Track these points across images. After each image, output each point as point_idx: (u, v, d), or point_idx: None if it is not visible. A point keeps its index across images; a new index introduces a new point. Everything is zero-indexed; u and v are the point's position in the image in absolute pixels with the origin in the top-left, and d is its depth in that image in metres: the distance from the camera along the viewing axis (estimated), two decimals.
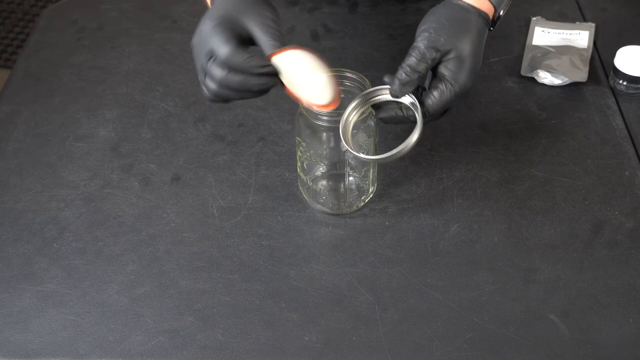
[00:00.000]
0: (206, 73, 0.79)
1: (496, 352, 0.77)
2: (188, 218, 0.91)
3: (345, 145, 0.81)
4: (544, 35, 1.12)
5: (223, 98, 0.80)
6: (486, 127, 1.00)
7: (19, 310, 0.82)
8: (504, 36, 1.14)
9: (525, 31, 1.14)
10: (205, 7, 0.92)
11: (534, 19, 1.15)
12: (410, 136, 0.79)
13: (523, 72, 1.07)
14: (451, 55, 0.81)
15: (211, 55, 0.78)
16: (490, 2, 0.85)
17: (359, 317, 0.81)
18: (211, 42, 0.78)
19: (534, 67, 1.06)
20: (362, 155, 0.81)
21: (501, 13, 0.86)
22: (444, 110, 0.83)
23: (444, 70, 0.81)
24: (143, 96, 1.07)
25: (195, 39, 0.80)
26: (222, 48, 0.77)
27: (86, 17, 1.22)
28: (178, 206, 0.92)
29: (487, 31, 0.85)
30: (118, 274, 0.85)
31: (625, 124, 1.00)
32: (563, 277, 0.83)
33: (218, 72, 0.77)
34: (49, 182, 0.96)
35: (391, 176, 0.94)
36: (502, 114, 1.02)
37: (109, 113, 1.05)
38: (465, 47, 0.82)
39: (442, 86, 0.81)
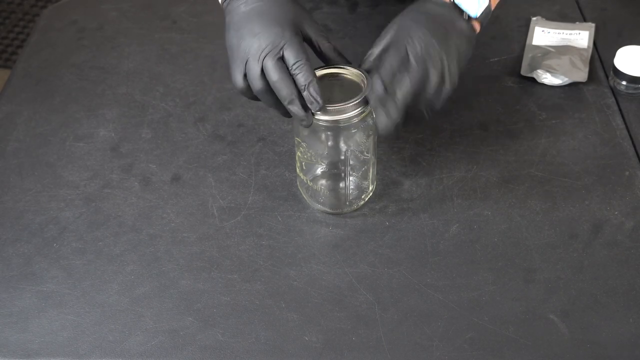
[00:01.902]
0: (264, 69, 0.82)
1: (496, 352, 0.77)
2: (188, 218, 0.91)
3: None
4: (544, 35, 1.12)
5: (257, 95, 0.84)
6: (486, 127, 1.00)
7: (19, 310, 0.82)
8: (504, 36, 1.14)
9: (525, 31, 1.14)
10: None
11: (534, 19, 1.15)
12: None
13: (523, 72, 1.07)
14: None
15: (279, 56, 0.81)
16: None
17: (359, 317, 0.81)
18: (293, 47, 0.81)
19: (534, 67, 1.06)
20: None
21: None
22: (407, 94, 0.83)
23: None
24: (143, 96, 1.07)
25: (263, 32, 0.82)
26: (304, 64, 0.81)
27: (86, 17, 1.22)
28: (178, 206, 0.92)
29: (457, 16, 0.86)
30: (118, 274, 0.85)
31: (625, 124, 1.00)
32: (563, 277, 0.83)
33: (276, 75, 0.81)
34: (49, 182, 0.96)
35: (391, 176, 0.94)
36: (502, 114, 1.02)
37: (109, 113, 1.05)
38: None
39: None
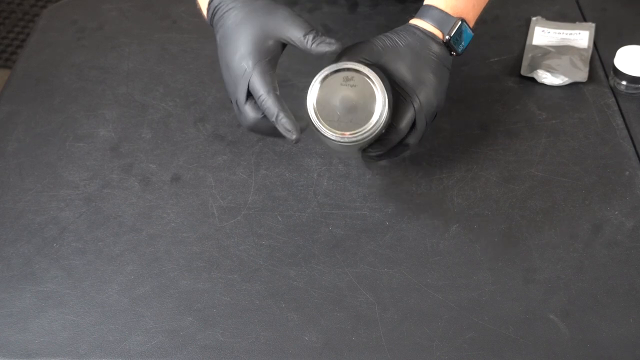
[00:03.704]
0: (241, 111, 0.82)
1: (496, 352, 0.77)
2: (188, 218, 0.91)
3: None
4: (544, 35, 1.12)
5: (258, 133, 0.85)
6: (486, 127, 1.00)
7: (19, 310, 0.82)
8: (504, 36, 1.14)
9: (525, 31, 1.14)
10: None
11: (534, 19, 1.15)
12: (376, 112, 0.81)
13: (523, 72, 1.07)
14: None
15: (248, 95, 0.81)
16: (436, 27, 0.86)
17: (359, 317, 0.81)
18: (253, 84, 0.80)
19: (534, 67, 1.06)
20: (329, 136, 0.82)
21: (451, 34, 0.86)
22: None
23: (400, 83, 0.84)
24: (143, 96, 1.07)
25: (229, 74, 0.82)
26: (266, 98, 0.79)
27: (86, 17, 1.22)
28: (178, 206, 0.92)
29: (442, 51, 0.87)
30: (118, 274, 0.85)
31: (625, 124, 1.00)
32: (563, 277, 0.83)
33: (252, 115, 0.81)
34: (49, 182, 0.96)
35: (391, 176, 0.94)
36: (502, 114, 1.02)
37: (109, 113, 1.05)
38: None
39: (401, 100, 0.83)
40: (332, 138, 0.82)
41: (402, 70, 0.83)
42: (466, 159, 0.96)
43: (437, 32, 0.86)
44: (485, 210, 0.90)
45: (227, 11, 0.84)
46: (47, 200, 0.93)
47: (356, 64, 0.81)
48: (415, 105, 0.83)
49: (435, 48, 0.85)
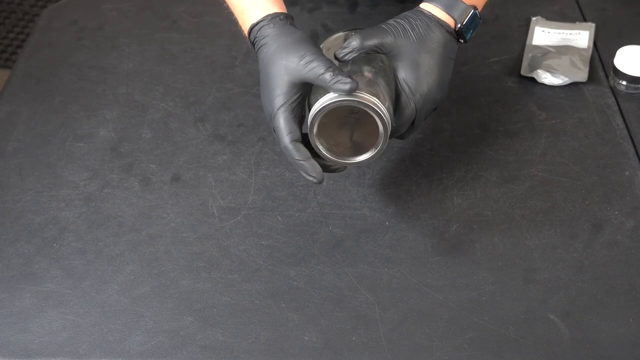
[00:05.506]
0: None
1: (496, 352, 0.77)
2: (188, 218, 0.91)
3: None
4: (544, 35, 1.12)
5: None
6: (486, 127, 1.00)
7: (19, 310, 0.82)
8: (504, 36, 1.14)
9: (525, 31, 1.14)
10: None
11: (534, 19, 1.15)
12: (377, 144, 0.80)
13: (523, 72, 1.07)
14: (407, 63, 0.83)
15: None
16: (450, 15, 0.85)
17: (359, 317, 0.81)
18: (277, 128, 0.81)
19: (534, 67, 1.06)
20: (327, 155, 0.82)
21: (463, 23, 0.86)
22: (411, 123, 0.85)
23: (402, 81, 0.83)
24: (143, 96, 1.07)
25: (265, 103, 0.83)
26: (285, 145, 0.81)
27: (86, 17, 1.22)
28: (178, 206, 0.92)
29: (453, 43, 0.86)
30: (118, 274, 0.85)
31: (625, 124, 1.00)
32: (563, 277, 0.83)
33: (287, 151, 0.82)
34: (49, 182, 0.96)
35: (391, 176, 0.94)
36: (502, 114, 1.02)
37: (109, 113, 1.05)
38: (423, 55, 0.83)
39: (403, 98, 0.83)
40: (329, 162, 0.82)
41: (409, 67, 0.83)
42: (466, 159, 0.96)
43: (448, 19, 0.85)
44: (485, 210, 0.90)
45: (260, 47, 0.84)
46: (47, 200, 0.94)
47: (363, 98, 0.78)
48: (417, 106, 0.83)
49: (444, 38, 0.85)
